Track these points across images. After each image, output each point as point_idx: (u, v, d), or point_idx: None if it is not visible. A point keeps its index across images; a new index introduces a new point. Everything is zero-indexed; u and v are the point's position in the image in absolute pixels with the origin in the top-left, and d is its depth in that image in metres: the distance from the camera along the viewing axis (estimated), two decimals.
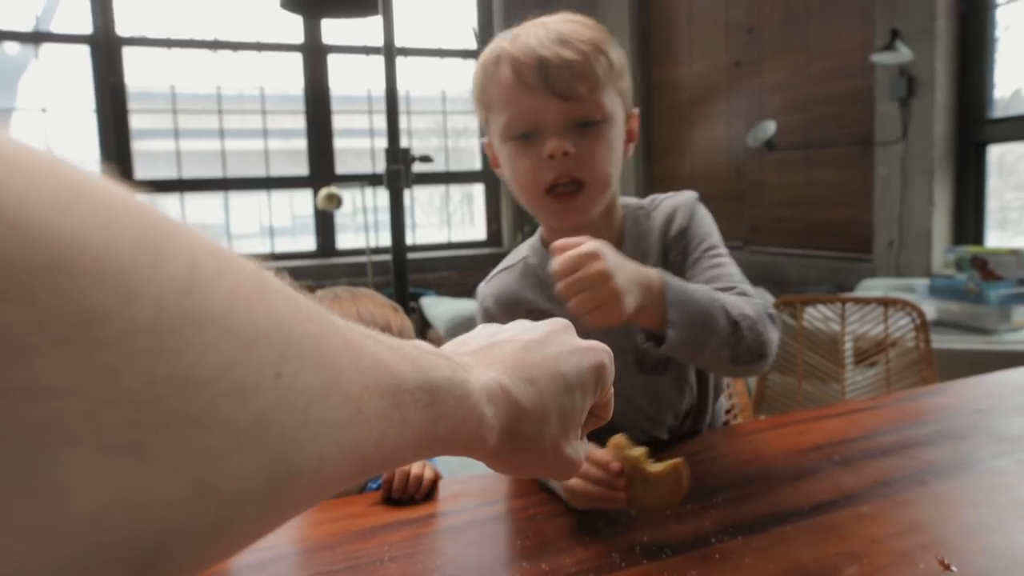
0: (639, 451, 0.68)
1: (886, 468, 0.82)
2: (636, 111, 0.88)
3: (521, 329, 0.46)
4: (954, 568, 0.60)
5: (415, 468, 0.81)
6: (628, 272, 0.70)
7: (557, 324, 0.47)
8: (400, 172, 1.56)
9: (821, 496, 0.75)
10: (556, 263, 0.68)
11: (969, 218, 3.25)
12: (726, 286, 0.82)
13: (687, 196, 0.90)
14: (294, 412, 0.26)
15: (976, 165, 3.21)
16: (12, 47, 4.60)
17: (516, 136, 0.80)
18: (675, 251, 0.86)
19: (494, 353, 0.43)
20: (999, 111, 3.13)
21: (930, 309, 2.08)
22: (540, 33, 0.78)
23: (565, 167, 0.78)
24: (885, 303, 1.80)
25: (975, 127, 3.18)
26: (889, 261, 3.43)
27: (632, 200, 0.92)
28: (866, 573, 0.60)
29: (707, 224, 0.88)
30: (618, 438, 0.69)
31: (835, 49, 3.72)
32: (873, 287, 3.02)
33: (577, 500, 0.71)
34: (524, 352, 0.43)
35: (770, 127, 3.60)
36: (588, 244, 0.69)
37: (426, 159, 1.65)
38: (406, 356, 0.34)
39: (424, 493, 0.81)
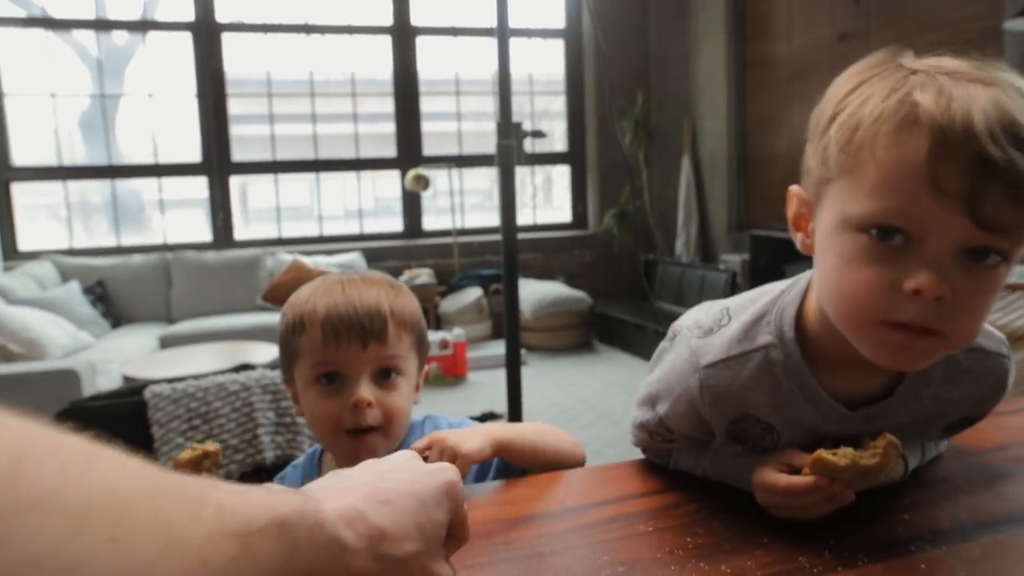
0: (848, 453, 0.61)
1: None
2: None
3: (371, 464, 0.50)
4: None
5: None
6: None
7: (405, 455, 0.52)
8: (512, 147, 1.52)
9: None
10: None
11: None
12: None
13: (1008, 372, 0.70)
14: (134, 574, 0.28)
15: None
16: (120, 36, 4.81)
17: (869, 252, 0.55)
18: (954, 416, 0.72)
19: (346, 484, 0.46)
20: None
21: None
22: (982, 99, 0.52)
23: (930, 315, 0.53)
24: None
25: None
26: None
27: None
28: None
29: None
30: (820, 454, 0.61)
31: (953, 17, 3.45)
32: None
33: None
34: (377, 480, 0.46)
35: None
36: None
37: (539, 134, 1.60)
38: (251, 499, 0.37)
39: None
